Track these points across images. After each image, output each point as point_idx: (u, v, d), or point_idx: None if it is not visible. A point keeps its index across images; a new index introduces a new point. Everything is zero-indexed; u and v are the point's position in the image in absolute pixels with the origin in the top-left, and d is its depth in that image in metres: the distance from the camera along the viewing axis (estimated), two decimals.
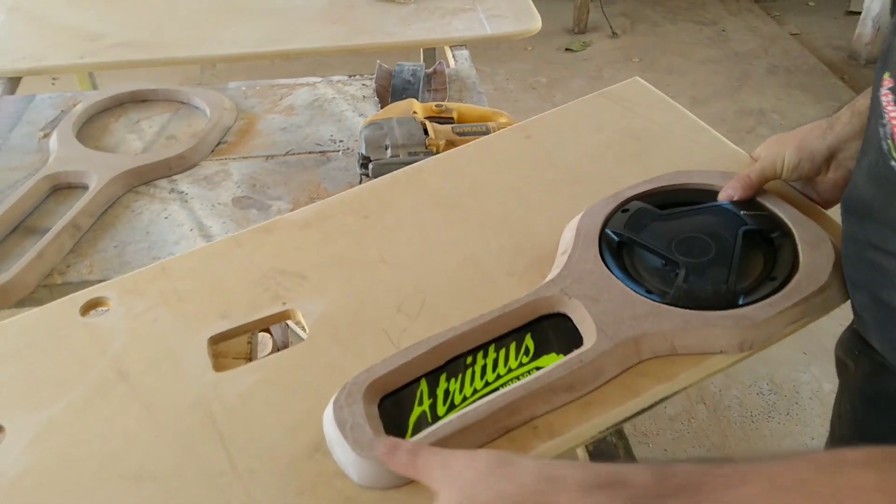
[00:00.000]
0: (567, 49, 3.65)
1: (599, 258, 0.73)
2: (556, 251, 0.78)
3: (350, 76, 1.35)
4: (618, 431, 0.71)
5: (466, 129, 1.06)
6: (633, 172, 0.85)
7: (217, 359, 0.74)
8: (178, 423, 0.66)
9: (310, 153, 1.14)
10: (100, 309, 0.78)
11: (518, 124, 0.96)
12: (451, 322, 0.70)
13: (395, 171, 0.90)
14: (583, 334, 0.68)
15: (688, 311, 0.67)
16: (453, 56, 1.42)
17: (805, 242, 0.72)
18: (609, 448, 0.69)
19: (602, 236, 0.76)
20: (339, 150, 1.15)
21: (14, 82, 1.41)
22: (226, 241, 0.84)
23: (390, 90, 1.26)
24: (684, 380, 0.65)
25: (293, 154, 1.14)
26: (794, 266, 0.71)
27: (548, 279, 0.73)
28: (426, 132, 1.05)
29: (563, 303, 0.70)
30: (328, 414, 0.63)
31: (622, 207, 0.78)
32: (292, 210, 1.02)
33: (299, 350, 0.72)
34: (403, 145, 1.03)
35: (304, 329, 0.74)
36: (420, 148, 1.03)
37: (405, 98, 1.23)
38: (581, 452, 0.71)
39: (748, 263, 0.72)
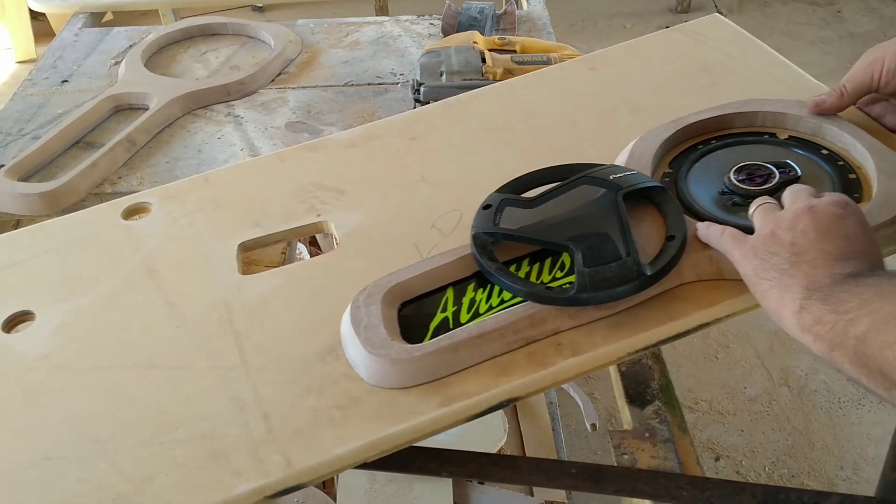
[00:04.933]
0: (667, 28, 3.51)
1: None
2: None
3: (419, 16, 1.32)
4: (654, 355, 0.66)
5: (526, 59, 1.02)
6: (698, 104, 0.79)
7: (249, 266, 0.73)
8: (197, 320, 0.65)
9: (368, 84, 1.12)
10: (142, 215, 0.78)
11: (583, 56, 0.91)
12: None
13: (448, 98, 0.87)
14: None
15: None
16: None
17: (882, 172, 0.65)
18: (644, 370, 0.64)
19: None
20: (398, 83, 1.12)
21: (97, 17, 1.44)
22: (269, 157, 0.83)
23: (457, 28, 1.22)
24: (727, 307, 0.60)
25: (352, 85, 1.12)
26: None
27: None
28: (484, 60, 1.01)
29: None
30: (346, 314, 0.61)
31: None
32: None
33: (326, 259, 0.70)
34: (459, 72, 0.99)
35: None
36: (476, 76, 0.99)
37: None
38: (613, 372, 0.66)
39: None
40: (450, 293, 0.63)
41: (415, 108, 1.01)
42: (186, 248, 0.72)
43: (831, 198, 0.56)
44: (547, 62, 1.01)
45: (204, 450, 0.55)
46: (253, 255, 0.78)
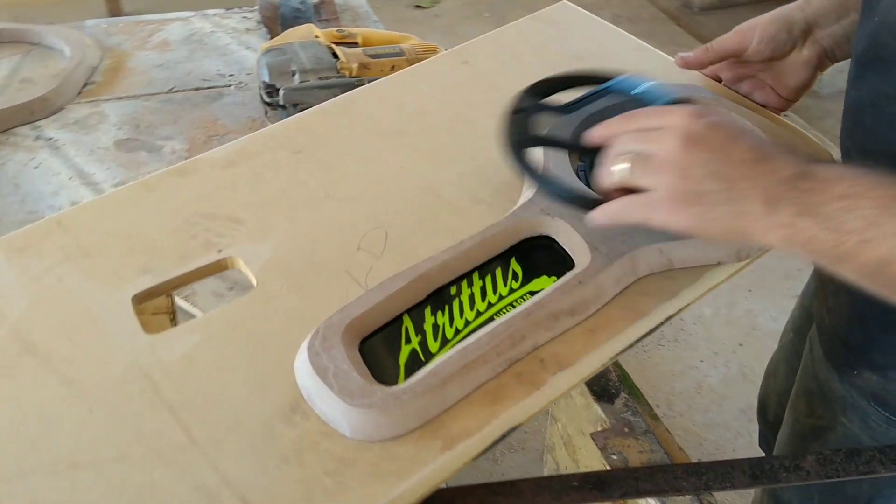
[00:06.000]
0: (417, 6, 3.58)
1: (573, 173, 0.67)
2: (518, 177, 0.71)
3: (227, 9, 1.21)
4: None
5: (380, 52, 0.97)
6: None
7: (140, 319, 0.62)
8: (112, 397, 0.54)
9: (197, 89, 1.01)
10: None
11: (451, 50, 0.87)
12: (422, 256, 0.62)
13: (322, 104, 0.80)
14: (572, 255, 0.62)
15: None
16: None
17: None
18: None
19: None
20: (230, 85, 1.02)
21: None
22: (131, 188, 0.71)
23: (279, 21, 1.14)
24: (687, 295, 0.60)
25: (177, 91, 1.00)
26: None
27: (522, 200, 0.66)
28: (335, 56, 0.95)
29: (546, 223, 0.64)
30: (302, 363, 0.54)
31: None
32: (188, 150, 0.89)
33: (248, 301, 0.61)
34: (312, 70, 0.92)
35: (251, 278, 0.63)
36: (331, 73, 0.93)
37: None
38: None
39: None
40: (407, 322, 0.58)
41: (266, 113, 0.92)
42: (65, 310, 0.60)
43: (683, 115, 0.53)
44: (400, 54, 0.97)
45: None
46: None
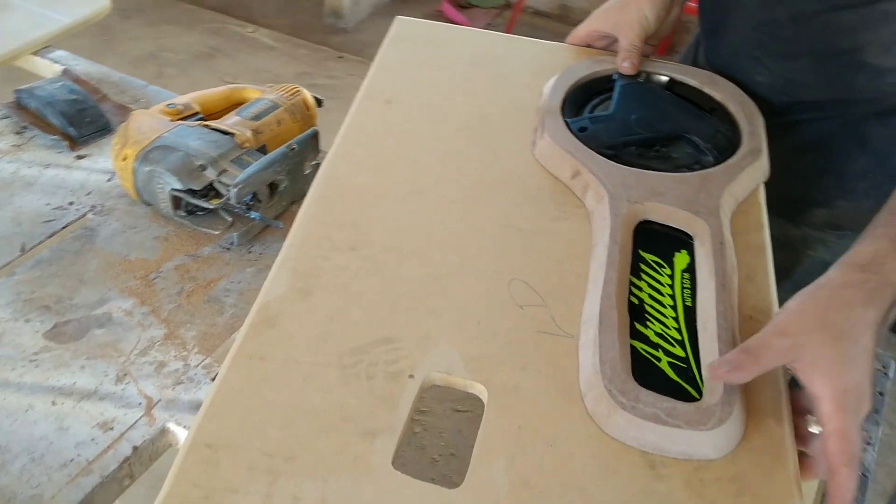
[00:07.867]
0: None
1: (614, 161, 0.74)
2: (557, 184, 0.75)
3: None
4: None
5: (256, 112, 0.88)
6: (515, 92, 0.85)
7: None
8: None
9: (54, 235, 0.80)
10: None
11: (362, 95, 0.82)
12: (574, 287, 0.66)
13: (312, 191, 0.72)
14: (678, 225, 0.70)
15: (720, 165, 0.75)
16: (60, 64, 1.08)
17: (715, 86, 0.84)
18: None
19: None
20: (85, 215, 0.82)
21: None
22: (236, 365, 0.59)
23: (61, 120, 0.92)
24: (764, 214, 0.73)
25: (34, 247, 0.78)
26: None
27: (595, 201, 0.72)
28: (222, 132, 0.84)
29: (639, 210, 0.71)
30: (625, 423, 0.56)
31: (578, 126, 0.78)
32: (142, 303, 0.73)
33: (498, 405, 0.58)
34: (221, 156, 0.81)
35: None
36: (236, 152, 0.82)
37: (89, 121, 0.93)
38: None
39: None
40: (637, 344, 0.62)
41: (191, 221, 0.78)
42: None
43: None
44: (276, 106, 0.90)
45: None
46: None
